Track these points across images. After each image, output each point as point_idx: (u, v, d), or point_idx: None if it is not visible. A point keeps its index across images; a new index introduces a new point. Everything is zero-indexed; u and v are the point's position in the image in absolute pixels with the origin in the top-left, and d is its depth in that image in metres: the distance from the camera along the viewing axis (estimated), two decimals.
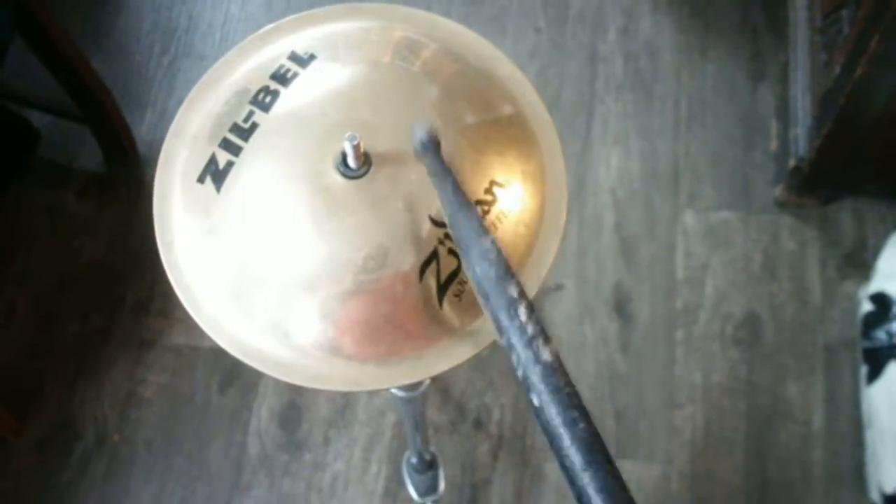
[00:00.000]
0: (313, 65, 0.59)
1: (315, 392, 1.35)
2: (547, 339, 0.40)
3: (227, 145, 0.57)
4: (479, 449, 1.33)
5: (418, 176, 0.54)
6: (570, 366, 0.48)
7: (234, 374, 1.38)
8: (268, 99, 0.58)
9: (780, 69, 1.58)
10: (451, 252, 0.53)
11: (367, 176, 0.54)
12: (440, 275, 0.53)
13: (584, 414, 0.38)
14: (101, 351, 1.41)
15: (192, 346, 1.40)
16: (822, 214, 1.46)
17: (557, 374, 0.39)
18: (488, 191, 0.56)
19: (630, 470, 1.30)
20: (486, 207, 0.55)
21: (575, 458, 0.36)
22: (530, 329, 0.40)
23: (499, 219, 0.55)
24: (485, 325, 0.54)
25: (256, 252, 0.54)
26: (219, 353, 1.38)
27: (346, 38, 0.62)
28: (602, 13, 1.66)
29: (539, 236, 0.57)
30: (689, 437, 1.33)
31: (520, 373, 0.40)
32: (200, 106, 0.60)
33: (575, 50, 1.63)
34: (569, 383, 0.38)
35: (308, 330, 0.53)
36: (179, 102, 0.60)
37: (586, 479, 0.36)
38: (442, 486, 1.17)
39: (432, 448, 1.14)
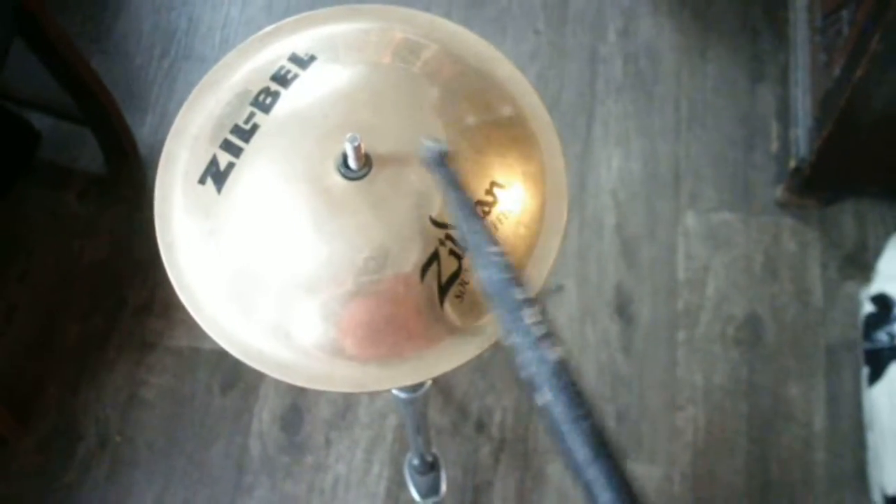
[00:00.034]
0: (314, 66, 0.59)
1: (316, 394, 1.35)
2: (553, 341, 0.41)
3: (228, 146, 0.57)
4: (480, 451, 1.33)
5: (419, 177, 0.54)
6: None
7: (236, 376, 1.38)
8: (268, 100, 0.58)
9: (780, 70, 1.58)
10: (452, 253, 0.53)
11: (368, 177, 0.54)
12: (441, 276, 0.53)
13: (591, 410, 0.38)
14: (102, 352, 1.41)
15: (193, 348, 1.40)
16: (823, 215, 1.46)
17: (564, 373, 0.40)
18: (489, 192, 0.56)
19: (631, 471, 1.30)
20: (486, 208, 0.55)
21: (582, 452, 0.37)
22: (537, 331, 0.41)
23: (499, 220, 0.55)
24: (486, 325, 0.54)
25: (257, 253, 0.55)
26: (220, 355, 1.39)
27: (346, 39, 0.62)
28: (602, 14, 1.66)
29: (540, 237, 0.57)
30: (690, 439, 1.33)
31: (525, 373, 0.40)
32: (201, 107, 0.60)
33: (575, 51, 1.63)
34: (575, 382, 0.39)
35: (309, 331, 0.53)
36: (180, 104, 0.60)
37: (594, 473, 0.37)
38: (443, 487, 1.17)
39: (434, 450, 1.14)
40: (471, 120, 0.58)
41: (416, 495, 1.17)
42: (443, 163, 0.50)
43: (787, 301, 1.41)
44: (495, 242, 0.46)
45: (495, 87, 0.61)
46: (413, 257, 0.53)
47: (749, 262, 1.44)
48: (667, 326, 1.40)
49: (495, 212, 0.55)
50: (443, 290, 0.53)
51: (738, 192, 1.50)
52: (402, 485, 1.29)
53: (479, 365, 1.37)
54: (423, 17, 0.64)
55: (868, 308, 1.32)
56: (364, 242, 0.53)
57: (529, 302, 0.42)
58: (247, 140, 0.57)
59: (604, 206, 1.49)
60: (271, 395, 1.36)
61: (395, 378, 0.54)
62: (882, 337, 1.28)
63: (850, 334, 1.37)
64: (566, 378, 0.39)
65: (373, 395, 1.35)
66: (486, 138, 0.58)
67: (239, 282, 0.54)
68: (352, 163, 0.54)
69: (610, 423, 1.33)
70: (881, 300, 1.31)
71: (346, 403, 1.35)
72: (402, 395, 0.87)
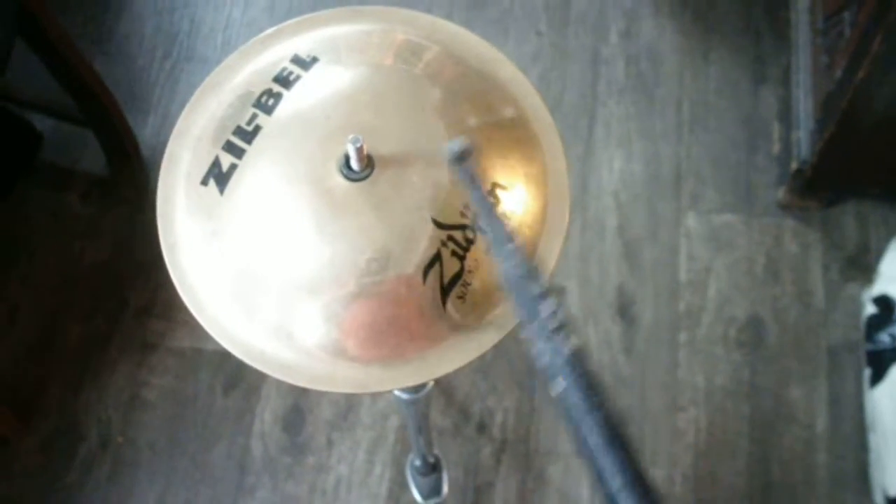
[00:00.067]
0: (316, 68, 0.59)
1: (318, 395, 1.35)
2: (569, 332, 0.42)
3: (230, 148, 0.57)
4: (482, 452, 1.33)
5: (421, 178, 0.54)
6: None
7: (238, 377, 1.38)
8: (271, 102, 0.58)
9: (782, 72, 1.58)
10: (455, 254, 0.53)
11: (370, 178, 0.54)
12: (443, 277, 0.53)
13: (605, 400, 0.39)
14: (104, 353, 1.41)
15: (195, 349, 1.40)
16: (825, 217, 1.46)
17: (579, 363, 0.41)
18: (491, 193, 0.56)
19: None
20: None
21: (595, 441, 0.38)
22: (554, 322, 0.42)
23: None
24: (488, 326, 0.54)
25: (260, 254, 0.55)
26: (222, 356, 1.39)
27: (348, 41, 0.62)
28: (604, 16, 1.66)
29: (542, 239, 0.57)
30: (692, 440, 1.33)
31: (541, 364, 0.41)
32: (204, 109, 0.60)
33: (577, 53, 1.63)
34: (590, 372, 0.40)
35: (312, 332, 0.53)
36: (181, 106, 0.60)
37: (606, 461, 0.37)
38: (445, 488, 1.17)
39: (436, 451, 1.14)
40: (473, 121, 0.58)
41: (417, 496, 1.17)
42: (466, 159, 0.51)
43: (789, 302, 1.41)
44: (513, 237, 0.48)
45: (497, 89, 0.61)
46: (415, 258, 0.53)
47: (751, 263, 1.44)
48: (668, 328, 1.40)
49: (497, 213, 0.55)
50: (445, 291, 0.53)
51: (740, 193, 1.50)
52: (403, 486, 1.29)
53: (480, 366, 1.37)
54: (425, 19, 0.64)
55: (870, 309, 1.32)
56: (366, 244, 0.53)
57: (546, 295, 0.44)
58: (249, 141, 0.57)
59: (605, 208, 1.49)
60: (273, 396, 1.36)
61: (398, 379, 0.54)
62: (884, 338, 1.28)
63: (852, 336, 1.37)
64: (581, 368, 0.40)
65: (375, 396, 1.35)
66: (488, 140, 0.58)
67: (241, 283, 0.54)
68: (354, 164, 0.54)
69: None
70: (883, 301, 1.31)
71: (348, 404, 1.36)
72: (404, 395, 0.87)
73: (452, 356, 0.53)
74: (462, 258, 0.53)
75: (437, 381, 1.26)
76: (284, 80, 0.59)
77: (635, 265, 1.44)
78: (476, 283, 0.54)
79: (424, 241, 0.53)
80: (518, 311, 0.45)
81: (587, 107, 1.58)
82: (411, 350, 0.53)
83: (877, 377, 1.26)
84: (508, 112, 0.60)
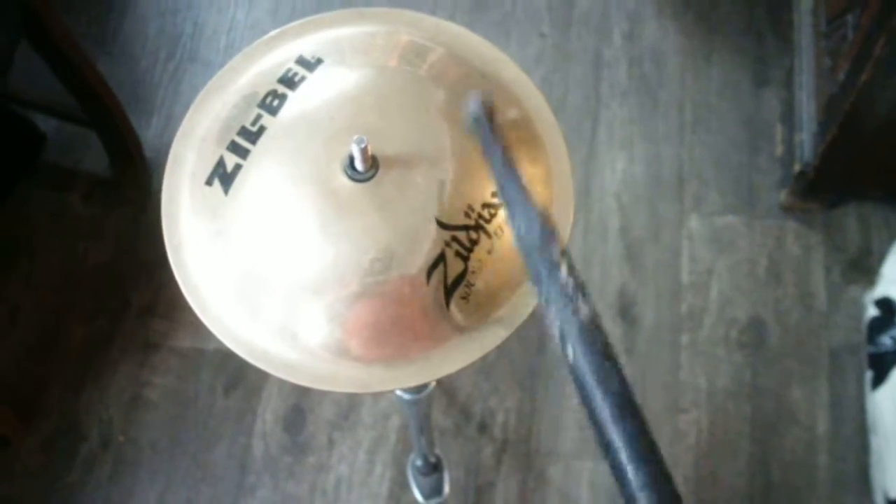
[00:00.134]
0: (320, 69, 0.60)
1: (319, 395, 1.35)
2: (586, 296, 0.41)
3: (235, 148, 0.57)
4: (483, 452, 1.33)
5: (425, 179, 0.54)
6: None
7: (239, 377, 1.38)
8: (276, 102, 0.58)
9: (784, 74, 1.58)
10: (458, 255, 0.54)
11: (375, 179, 0.54)
12: (447, 277, 0.53)
13: (619, 369, 0.38)
14: (106, 353, 1.41)
15: (197, 349, 1.40)
16: (827, 219, 1.46)
17: (594, 328, 0.40)
18: (495, 194, 0.56)
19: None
20: (492, 210, 0.55)
21: (607, 410, 0.37)
22: (570, 286, 0.41)
23: (505, 222, 0.55)
24: (491, 326, 0.54)
25: (264, 254, 0.55)
26: (224, 356, 1.39)
27: (352, 42, 0.62)
28: (607, 18, 1.66)
29: None
30: (693, 441, 1.33)
31: (556, 328, 0.41)
32: (208, 109, 0.60)
33: (579, 55, 1.63)
34: (605, 338, 0.40)
35: (315, 332, 0.54)
36: (185, 107, 0.60)
37: (617, 432, 0.36)
38: (446, 488, 1.17)
39: (437, 451, 1.14)
40: None
41: (418, 496, 1.17)
42: (487, 116, 0.51)
43: (791, 305, 1.41)
44: (533, 199, 0.47)
45: (501, 90, 0.61)
46: (419, 259, 0.53)
47: (753, 265, 1.44)
48: (670, 329, 1.40)
49: (501, 214, 0.55)
50: (448, 291, 0.53)
51: (742, 195, 1.50)
52: (404, 486, 1.29)
53: (482, 367, 1.37)
54: (429, 21, 0.64)
55: (872, 312, 1.32)
56: (370, 244, 0.53)
57: (563, 259, 0.43)
58: (254, 142, 0.57)
59: (608, 210, 1.49)
60: (274, 396, 1.37)
61: (400, 379, 0.54)
62: (886, 341, 1.28)
63: (854, 338, 1.37)
64: (596, 334, 0.40)
65: (376, 396, 1.35)
66: None
67: (246, 283, 0.55)
68: (358, 165, 0.54)
69: None
70: (885, 304, 1.31)
71: (350, 404, 1.36)
72: (406, 396, 0.87)
73: (455, 356, 0.53)
74: (466, 259, 0.54)
75: (439, 382, 1.26)
76: (289, 82, 0.59)
77: (637, 266, 1.44)
78: (480, 283, 0.54)
79: (428, 242, 0.53)
80: (534, 272, 0.44)
81: (590, 109, 1.58)
82: (414, 350, 0.53)
83: (878, 380, 1.26)
84: (512, 113, 0.60)
